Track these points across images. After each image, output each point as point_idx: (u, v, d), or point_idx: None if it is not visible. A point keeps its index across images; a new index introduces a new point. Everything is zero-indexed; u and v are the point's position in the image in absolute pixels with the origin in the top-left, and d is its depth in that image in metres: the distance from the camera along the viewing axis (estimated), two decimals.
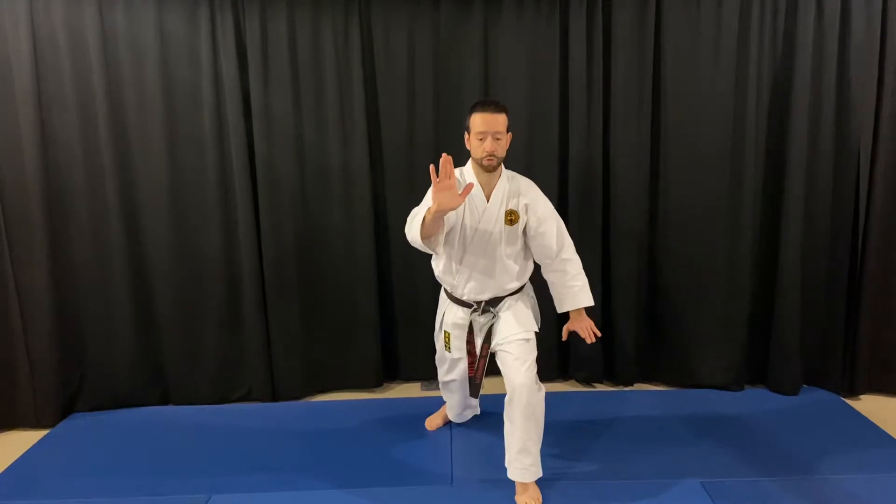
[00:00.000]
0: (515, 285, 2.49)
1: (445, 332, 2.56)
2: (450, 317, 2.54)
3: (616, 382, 3.48)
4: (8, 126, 2.99)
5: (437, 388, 3.00)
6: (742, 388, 3.36)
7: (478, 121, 2.28)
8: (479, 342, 2.50)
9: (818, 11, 3.05)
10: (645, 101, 3.18)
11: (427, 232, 2.17)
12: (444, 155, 2.04)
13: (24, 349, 3.13)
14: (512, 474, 2.44)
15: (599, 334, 2.47)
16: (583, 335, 2.48)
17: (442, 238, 2.26)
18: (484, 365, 2.50)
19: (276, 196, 3.19)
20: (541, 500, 2.41)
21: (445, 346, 2.57)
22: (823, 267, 3.26)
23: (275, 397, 3.37)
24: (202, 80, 3.08)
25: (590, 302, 2.47)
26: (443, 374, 2.79)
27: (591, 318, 3.37)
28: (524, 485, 2.44)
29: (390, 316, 3.47)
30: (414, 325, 3.41)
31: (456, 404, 2.91)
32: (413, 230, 2.22)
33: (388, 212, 3.34)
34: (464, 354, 2.52)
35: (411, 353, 3.47)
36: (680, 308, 3.36)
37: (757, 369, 3.40)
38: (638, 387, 3.47)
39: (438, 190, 2.03)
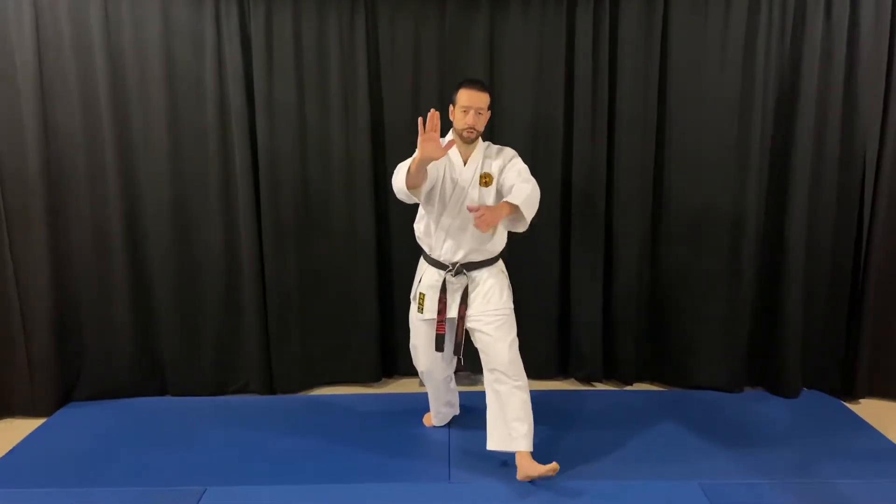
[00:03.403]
0: (488, 250, 2.58)
1: (420, 293, 2.63)
2: (426, 279, 2.63)
3: (615, 382, 3.47)
4: (10, 114, 2.98)
5: None
6: (742, 390, 3.35)
7: (464, 96, 2.47)
8: (452, 303, 2.57)
9: (826, 17, 3.02)
10: (650, 103, 3.16)
11: (411, 182, 2.35)
12: (432, 110, 2.25)
13: (23, 338, 3.12)
14: (511, 445, 2.49)
15: (485, 217, 2.24)
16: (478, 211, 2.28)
17: (424, 189, 2.43)
18: (463, 326, 2.56)
19: (278, 187, 3.18)
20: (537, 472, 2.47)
21: (419, 307, 2.63)
22: (826, 270, 3.25)
23: (272, 390, 3.36)
24: (206, 68, 3.07)
25: (515, 201, 2.33)
26: (415, 360, 2.80)
27: (592, 317, 3.38)
28: (525, 463, 2.48)
29: (390, 311, 3.46)
30: None
31: (433, 399, 2.92)
32: (399, 179, 2.40)
33: (389, 205, 3.33)
34: (434, 315, 2.59)
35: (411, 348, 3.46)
36: (681, 308, 3.34)
37: (757, 371, 3.39)
38: (637, 387, 3.46)
39: (424, 140, 2.22)
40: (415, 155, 2.31)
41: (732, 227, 3.21)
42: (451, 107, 2.55)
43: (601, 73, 3.15)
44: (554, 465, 2.47)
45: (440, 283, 2.58)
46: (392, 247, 3.38)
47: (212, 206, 3.18)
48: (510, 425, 2.48)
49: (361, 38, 3.11)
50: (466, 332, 2.58)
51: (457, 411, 3.05)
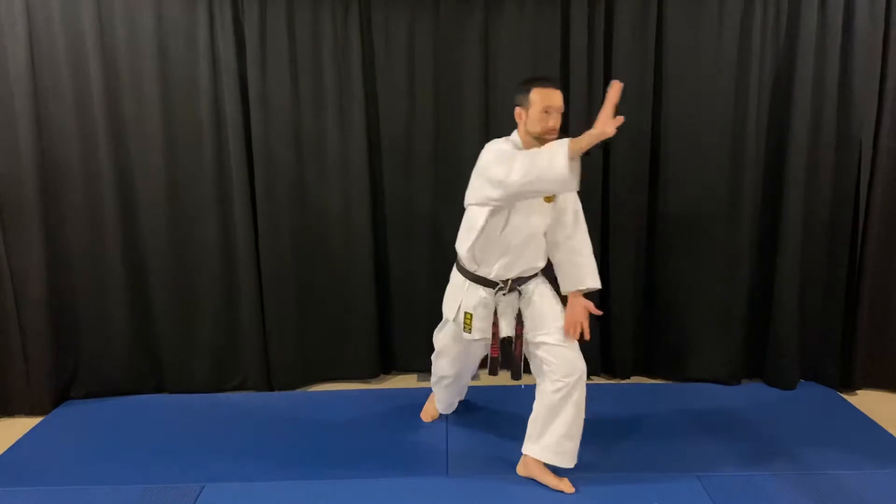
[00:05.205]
0: (540, 264, 2.53)
1: (466, 313, 2.51)
2: (471, 299, 2.50)
3: (613, 376, 3.47)
4: (3, 113, 2.96)
5: None
6: (739, 383, 3.35)
7: (543, 96, 2.28)
8: (506, 323, 2.49)
9: (821, 8, 3.01)
10: (646, 95, 3.15)
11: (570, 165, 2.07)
12: (617, 82, 2.00)
13: (19, 336, 3.10)
14: (555, 459, 2.43)
15: (587, 338, 2.44)
16: (568, 329, 2.42)
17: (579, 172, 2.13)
18: (521, 345, 2.48)
19: (273, 184, 3.17)
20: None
21: (465, 327, 2.52)
22: (822, 262, 3.25)
23: (270, 387, 3.36)
24: (199, 67, 3.05)
25: (595, 284, 2.48)
26: (441, 368, 2.76)
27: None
28: (535, 467, 2.47)
29: (387, 306, 3.45)
30: (411, 316, 3.40)
31: (449, 394, 2.91)
32: (558, 162, 2.01)
33: (385, 201, 3.32)
34: (486, 335, 2.51)
35: (408, 344, 3.45)
36: (678, 302, 3.34)
37: (754, 364, 3.38)
38: (635, 380, 3.46)
39: (610, 116, 1.98)
40: (510, 151, 2.22)
41: (728, 219, 3.20)
42: (517, 109, 2.36)
43: (596, 66, 3.14)
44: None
45: (490, 302, 2.48)
46: (389, 243, 3.37)
47: (207, 202, 3.17)
48: (560, 440, 2.41)
49: (356, 34, 3.09)
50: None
51: (463, 396, 3.06)
